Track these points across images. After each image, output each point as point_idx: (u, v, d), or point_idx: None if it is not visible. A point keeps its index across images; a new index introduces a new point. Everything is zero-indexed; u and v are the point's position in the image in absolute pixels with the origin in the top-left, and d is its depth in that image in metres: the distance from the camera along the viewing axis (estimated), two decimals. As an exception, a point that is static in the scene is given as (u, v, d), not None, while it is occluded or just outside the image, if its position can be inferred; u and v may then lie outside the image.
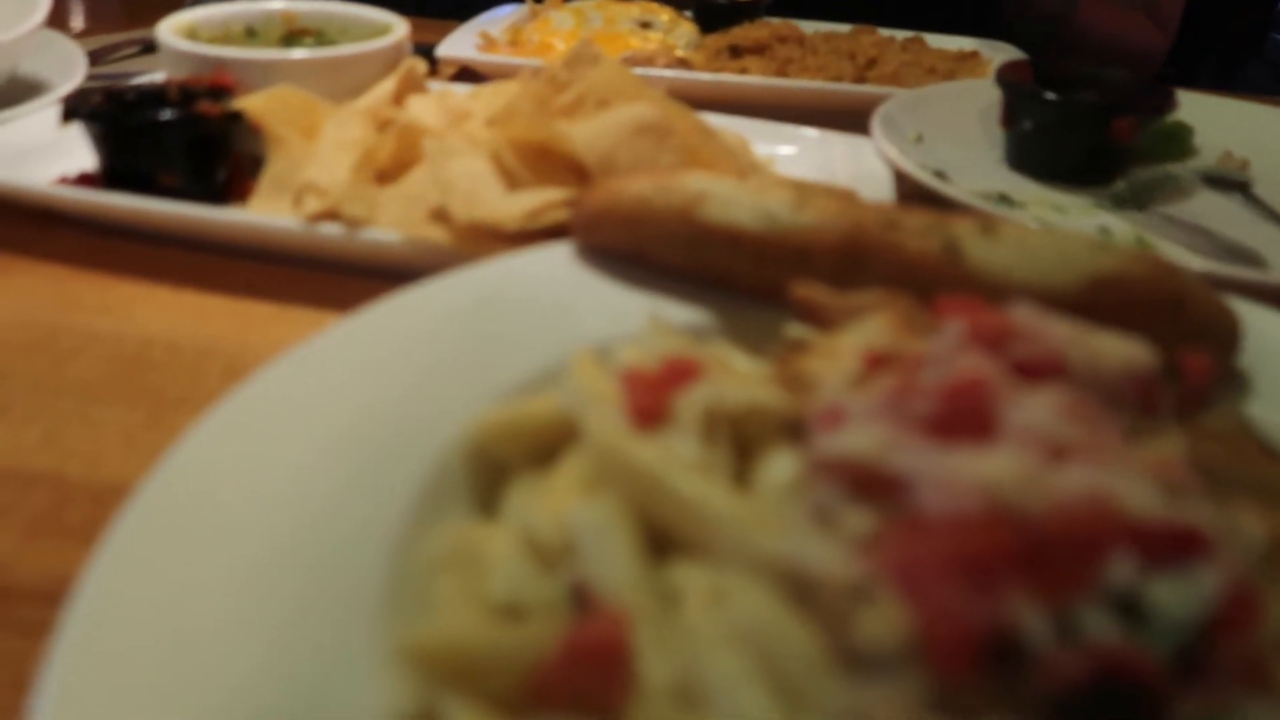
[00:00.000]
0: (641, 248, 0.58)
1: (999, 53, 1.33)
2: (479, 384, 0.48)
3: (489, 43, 1.28)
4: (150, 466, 0.40)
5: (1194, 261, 0.74)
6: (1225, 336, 0.51)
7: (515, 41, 1.31)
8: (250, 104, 0.80)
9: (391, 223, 0.71)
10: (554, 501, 0.39)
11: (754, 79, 1.17)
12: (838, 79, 1.19)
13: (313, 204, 0.72)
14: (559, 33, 1.30)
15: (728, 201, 0.56)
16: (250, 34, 1.09)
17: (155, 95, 0.80)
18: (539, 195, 0.66)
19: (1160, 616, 0.26)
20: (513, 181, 0.69)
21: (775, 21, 1.36)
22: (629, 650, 0.32)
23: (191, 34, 1.01)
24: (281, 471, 0.41)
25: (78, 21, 1.52)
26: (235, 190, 0.81)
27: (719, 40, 1.29)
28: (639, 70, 1.07)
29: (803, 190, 0.57)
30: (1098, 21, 1.57)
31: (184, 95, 0.80)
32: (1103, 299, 0.50)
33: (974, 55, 1.31)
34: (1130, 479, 0.30)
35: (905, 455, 0.33)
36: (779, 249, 0.55)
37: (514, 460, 0.45)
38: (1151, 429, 0.36)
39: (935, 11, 1.45)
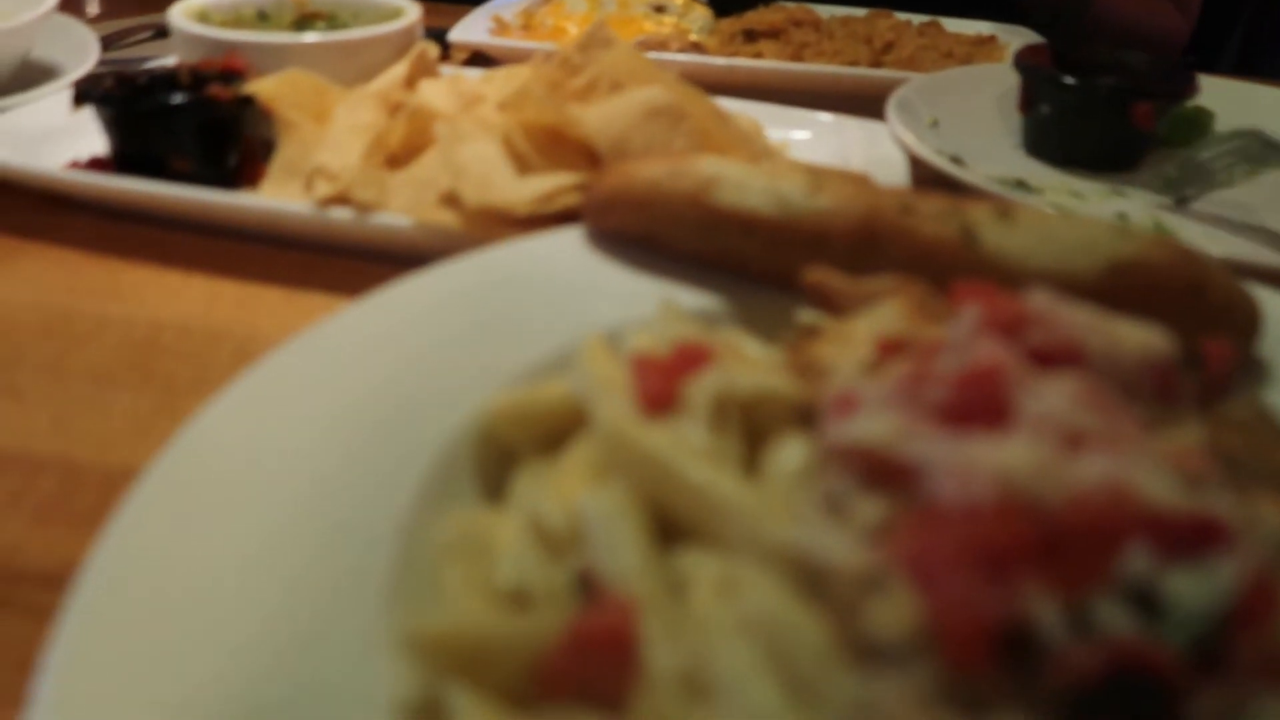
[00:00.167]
0: (653, 232, 0.58)
1: (1017, 37, 1.31)
2: (488, 369, 0.48)
3: (502, 27, 1.27)
4: (160, 451, 0.40)
5: (1215, 247, 0.73)
6: (1246, 323, 0.50)
7: (528, 26, 1.30)
8: (261, 88, 0.79)
9: (402, 207, 0.70)
10: (562, 489, 0.39)
11: (769, 63, 1.16)
12: (853, 63, 1.18)
13: (324, 188, 0.71)
14: (572, 17, 1.29)
15: (741, 186, 0.55)
16: (262, 18, 1.08)
17: (166, 79, 0.79)
18: (550, 179, 0.66)
19: (1178, 609, 0.25)
20: (524, 165, 0.68)
21: (791, 5, 1.35)
22: (636, 639, 0.32)
23: (203, 18, 1.01)
24: (289, 456, 0.41)
25: (91, 6, 1.52)
26: (246, 175, 0.81)
27: (733, 24, 1.28)
28: (652, 55, 1.06)
29: (817, 175, 0.56)
30: (1117, 5, 1.55)
31: (195, 79, 0.80)
32: (1121, 285, 0.49)
33: (991, 40, 1.30)
34: (1148, 468, 0.29)
35: (919, 443, 0.32)
36: (792, 234, 0.54)
37: (522, 446, 0.44)
38: (1170, 418, 0.36)
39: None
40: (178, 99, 0.77)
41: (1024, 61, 0.98)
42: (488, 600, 0.36)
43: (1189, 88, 0.93)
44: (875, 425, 0.34)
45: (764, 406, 0.41)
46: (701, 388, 0.40)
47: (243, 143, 0.81)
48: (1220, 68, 1.14)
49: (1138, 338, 0.37)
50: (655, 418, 0.39)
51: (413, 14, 1.03)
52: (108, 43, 1.17)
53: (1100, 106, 0.92)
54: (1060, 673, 0.25)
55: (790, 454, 0.38)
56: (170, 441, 0.40)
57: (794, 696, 0.29)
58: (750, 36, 1.25)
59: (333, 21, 1.09)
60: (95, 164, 0.81)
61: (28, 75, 0.98)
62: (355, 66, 0.91)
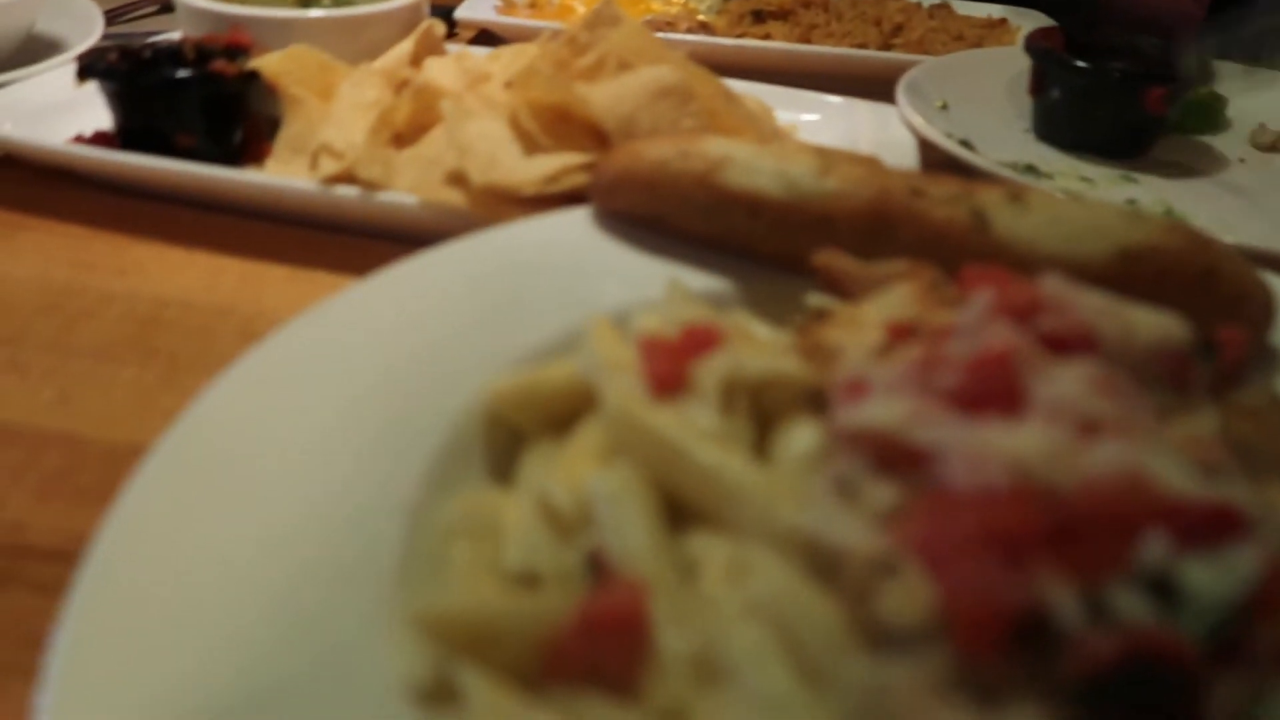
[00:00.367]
0: (660, 213, 0.57)
1: (1028, 20, 1.30)
2: (495, 350, 0.47)
3: (508, 5, 1.26)
4: (164, 428, 0.40)
5: (1227, 235, 0.72)
6: (1259, 311, 0.49)
7: (535, 4, 1.29)
8: (266, 64, 0.79)
9: (408, 186, 0.70)
10: (570, 470, 0.39)
11: (777, 45, 1.15)
12: (862, 45, 1.17)
13: (329, 166, 0.71)
14: (579, -5, 1.28)
15: (749, 167, 0.55)
16: (267, -7, 1.07)
17: (171, 54, 0.79)
18: (557, 159, 0.65)
19: (1195, 598, 0.25)
20: (531, 145, 0.68)
21: (799, -14, 1.33)
22: (646, 621, 0.31)
23: (208, -8, 1.00)
24: (296, 434, 0.41)
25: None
26: (251, 152, 0.80)
27: (742, 5, 1.26)
28: (660, 35, 1.05)
29: (826, 156, 0.56)
30: (1129, -11, 1.53)
31: (200, 54, 0.79)
32: (1133, 271, 0.49)
33: (1002, 23, 1.29)
34: (1164, 456, 0.29)
35: (931, 428, 0.32)
36: (801, 216, 0.53)
37: (529, 427, 0.44)
38: (1184, 405, 0.35)
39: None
40: (182, 74, 0.77)
41: (1035, 45, 0.97)
42: (496, 581, 0.36)
43: (1203, 73, 0.92)
44: (886, 410, 0.34)
45: (772, 390, 0.41)
46: (711, 370, 0.40)
47: (247, 119, 0.80)
48: (1233, 53, 1.13)
49: (1152, 324, 0.36)
50: (664, 400, 0.39)
51: (419, -10, 1.02)
52: (111, 17, 1.16)
53: (1112, 91, 0.91)
54: (1076, 661, 0.25)
55: (800, 438, 0.38)
56: (176, 418, 0.40)
57: (806, 681, 0.29)
58: (759, 17, 1.23)
59: (338, -3, 1.08)
60: (99, 138, 0.80)
61: (32, 49, 0.98)
62: (361, 43, 0.91)
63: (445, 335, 0.48)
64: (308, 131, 0.76)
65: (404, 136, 0.75)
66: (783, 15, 1.23)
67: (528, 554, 0.36)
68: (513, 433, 0.44)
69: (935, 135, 0.81)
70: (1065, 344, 0.36)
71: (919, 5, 1.30)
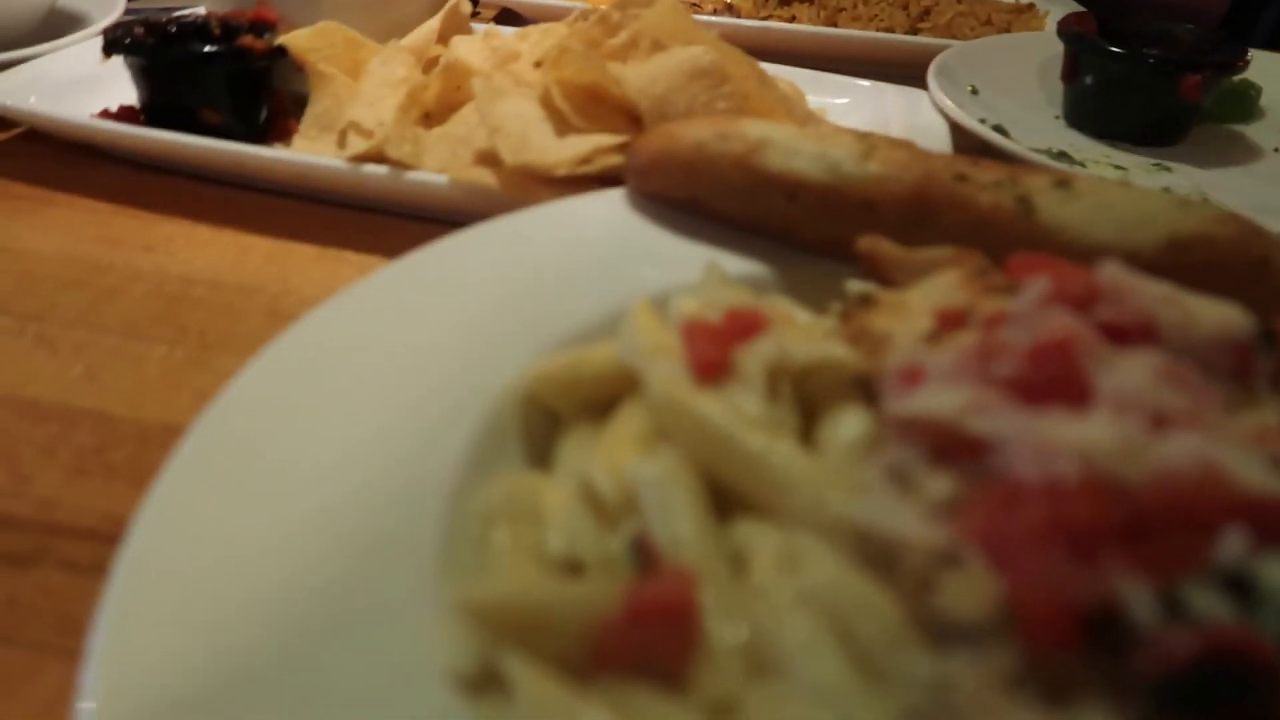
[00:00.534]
0: (697, 197, 0.56)
1: (1056, 5, 1.28)
2: (531, 333, 0.47)
3: (531, -16, 1.25)
4: (194, 407, 0.39)
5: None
6: (1311, 303, 0.48)
7: (558, -17, 1.28)
8: (294, 40, 0.78)
9: (437, 165, 0.69)
10: (612, 455, 0.38)
11: (803, 27, 1.13)
12: (890, 30, 1.15)
13: (357, 144, 0.70)
14: (605, -25, 1.26)
15: (789, 150, 0.54)
16: (291, -31, 1.06)
17: (197, 29, 0.78)
18: (590, 140, 0.65)
19: (1275, 597, 0.24)
20: (563, 125, 0.67)
21: (826, -32, 1.32)
22: (696, 611, 0.31)
23: (232, -32, 0.99)
24: (333, 417, 0.40)
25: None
26: (277, 129, 0.80)
27: (768, -14, 1.25)
28: (685, 16, 1.04)
29: (867, 140, 0.55)
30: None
31: (226, 29, 0.78)
32: (1183, 260, 0.48)
33: (1030, 8, 1.27)
34: (1237, 449, 0.28)
35: (990, 418, 0.31)
36: (842, 200, 0.53)
37: (566, 411, 0.43)
38: (1247, 398, 0.34)
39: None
40: (209, 49, 0.76)
41: (1069, 29, 0.95)
42: (538, 567, 0.35)
43: (1239, 60, 0.91)
44: (944, 398, 0.33)
45: (818, 376, 0.40)
46: (756, 355, 0.39)
47: (274, 96, 0.80)
48: (1254, 41, 1.11)
49: (1214, 313, 0.35)
50: (707, 385, 0.38)
51: (445, -32, 1.01)
52: (133, -8, 1.15)
53: (1148, 78, 0.90)
54: (1151, 659, 0.24)
55: (849, 425, 0.37)
56: (206, 398, 0.39)
57: (861, 674, 0.28)
58: (785, 0, 1.22)
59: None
60: (125, 114, 0.79)
61: (55, 24, 0.97)
62: (388, 21, 0.90)
63: (480, 318, 0.47)
64: (335, 109, 0.75)
65: (433, 115, 0.74)
66: (810, -2, 1.22)
67: (571, 540, 0.36)
68: (549, 416, 0.44)
69: (969, 121, 0.80)
70: (1124, 333, 0.35)
71: (947, -11, 1.29)
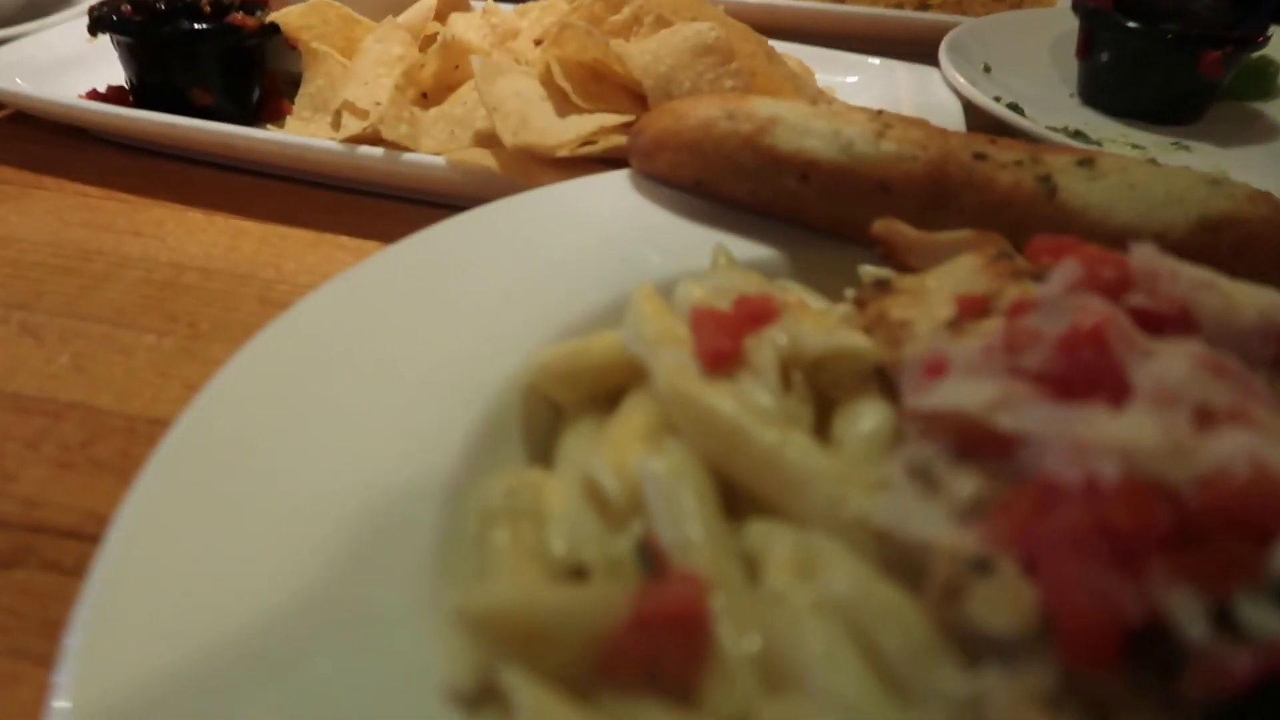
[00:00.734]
0: (704, 178, 0.54)
1: (1068, -20, 1.25)
2: (531, 321, 0.45)
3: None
4: (183, 399, 0.37)
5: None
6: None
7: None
8: (286, 17, 0.76)
9: (435, 146, 0.67)
10: (617, 450, 0.36)
11: (811, 4, 1.11)
12: (899, 6, 1.13)
13: (352, 125, 0.68)
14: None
15: (801, 129, 0.52)
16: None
17: (186, 6, 0.76)
18: (593, 119, 0.62)
19: (1337, 610, 0.23)
20: (564, 104, 0.64)
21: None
22: (707, 618, 0.29)
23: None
24: (323, 409, 0.38)
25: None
26: (270, 109, 0.78)
27: (774, -38, 1.22)
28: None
29: (882, 118, 0.52)
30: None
31: (216, 7, 0.76)
32: (1213, 242, 0.46)
33: (1042, -17, 1.24)
34: (1289, 448, 0.26)
35: (1021, 413, 0.29)
36: (855, 180, 0.50)
37: (568, 403, 0.42)
38: (1291, 390, 0.32)
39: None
40: (199, 26, 0.74)
41: (1084, 4, 0.93)
42: (540, 570, 0.33)
43: (1260, 36, 0.88)
44: (970, 392, 0.31)
45: (832, 367, 0.38)
46: (768, 344, 0.37)
47: (266, 76, 0.78)
48: (1270, 16, 1.08)
49: (1257, 300, 0.33)
50: (717, 376, 0.36)
51: (442, -56, 0.98)
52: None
53: (1166, 53, 0.87)
54: (1201, 679, 0.22)
55: (866, 419, 0.35)
56: (200, 391, 0.37)
57: (885, 687, 0.27)
58: (791, -25, 1.19)
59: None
60: (113, 94, 0.77)
61: (41, 2, 0.95)
62: (383, -3, 0.87)
63: (478, 306, 0.45)
64: (329, 89, 0.73)
65: (430, 95, 0.72)
66: (817, -26, 1.19)
67: (574, 541, 0.34)
68: (550, 409, 0.42)
69: (984, 99, 0.78)
70: (1160, 321, 0.33)
71: (957, -36, 1.26)
